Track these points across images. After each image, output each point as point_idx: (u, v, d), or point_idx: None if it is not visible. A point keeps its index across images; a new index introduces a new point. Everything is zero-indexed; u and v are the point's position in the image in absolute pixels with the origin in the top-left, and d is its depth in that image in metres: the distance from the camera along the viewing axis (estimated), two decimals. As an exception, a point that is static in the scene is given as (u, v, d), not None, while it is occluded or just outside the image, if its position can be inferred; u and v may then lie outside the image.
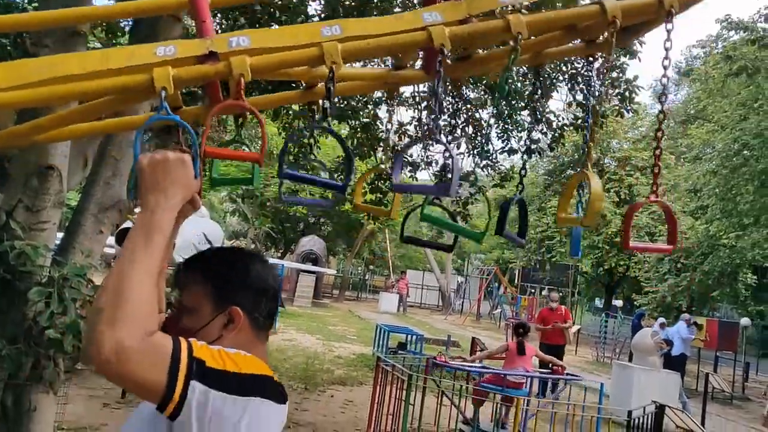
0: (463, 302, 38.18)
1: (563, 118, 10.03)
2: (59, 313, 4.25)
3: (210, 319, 1.67)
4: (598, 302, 42.68)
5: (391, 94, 2.43)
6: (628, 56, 9.34)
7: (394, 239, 44.98)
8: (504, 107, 9.74)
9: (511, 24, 1.72)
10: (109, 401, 7.99)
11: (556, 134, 10.00)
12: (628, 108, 9.47)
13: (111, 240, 18.40)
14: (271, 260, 23.61)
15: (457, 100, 9.75)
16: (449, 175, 1.76)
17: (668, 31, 1.91)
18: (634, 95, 9.39)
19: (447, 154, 1.77)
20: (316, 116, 1.90)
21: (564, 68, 9.64)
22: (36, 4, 7.55)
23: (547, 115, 9.96)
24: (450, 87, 9.13)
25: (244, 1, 6.27)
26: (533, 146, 10.11)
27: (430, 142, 1.89)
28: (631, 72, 9.31)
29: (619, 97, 9.48)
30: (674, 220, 2.04)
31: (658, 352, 11.85)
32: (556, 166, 35.54)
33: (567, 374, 9.26)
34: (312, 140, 2.02)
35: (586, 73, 9.43)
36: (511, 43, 1.74)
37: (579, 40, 2.04)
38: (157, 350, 1.42)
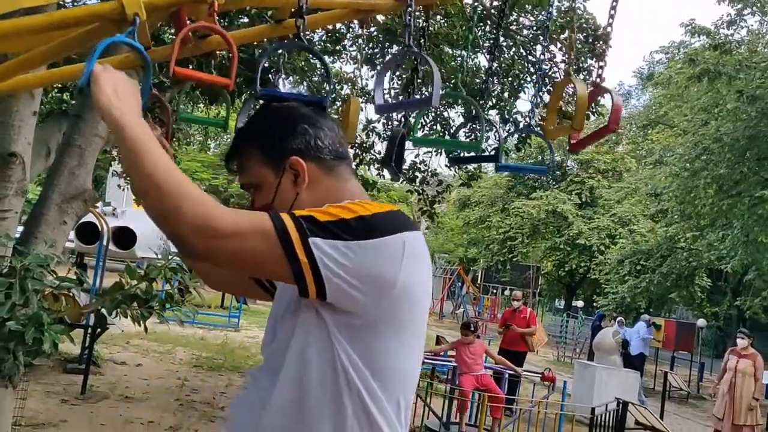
0: (425, 301, 38.38)
1: (530, 119, 10.11)
2: (20, 305, 4.13)
3: (277, 183, 1.53)
4: (559, 303, 43.21)
5: (363, 24, 2.39)
6: (594, 59, 9.46)
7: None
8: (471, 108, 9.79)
9: None
10: (68, 398, 7.81)
11: (523, 135, 10.06)
12: (593, 111, 9.57)
13: (71, 234, 18.03)
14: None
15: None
16: (431, 89, 1.72)
17: None
18: (600, 98, 9.50)
19: (427, 67, 1.71)
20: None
21: (532, 69, 9.73)
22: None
23: (515, 116, 10.04)
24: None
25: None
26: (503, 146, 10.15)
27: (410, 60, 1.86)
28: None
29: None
30: (617, 112, 2.06)
31: (618, 351, 12.06)
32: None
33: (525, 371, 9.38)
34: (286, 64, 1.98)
35: (553, 75, 9.56)
36: None
37: None
38: (252, 219, 1.32)
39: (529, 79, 9.78)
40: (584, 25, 9.20)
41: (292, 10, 1.64)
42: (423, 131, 10.71)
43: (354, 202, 1.43)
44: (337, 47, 10.03)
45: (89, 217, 15.44)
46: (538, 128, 2.10)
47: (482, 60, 9.88)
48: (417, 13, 1.75)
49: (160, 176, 1.28)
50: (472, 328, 9.03)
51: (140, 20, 1.46)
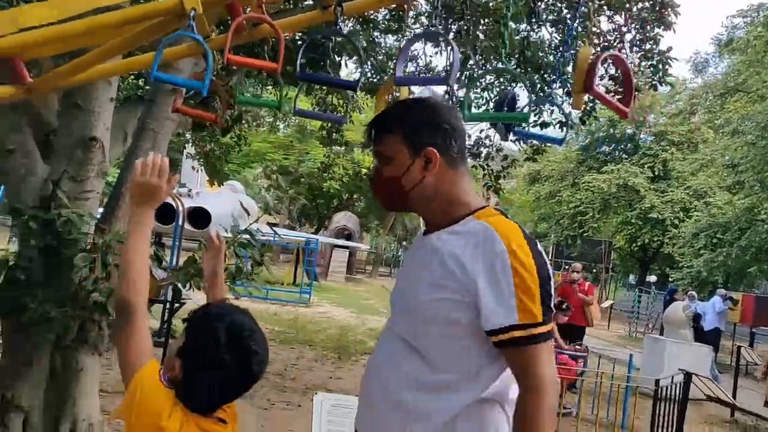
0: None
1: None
2: (103, 278, 4.46)
3: (410, 163, 1.80)
4: (632, 278, 42.31)
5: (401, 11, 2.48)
6: (662, 27, 9.21)
7: (426, 215, 45.07)
8: (537, 80, 9.74)
9: None
10: (149, 368, 8.29)
11: (588, 108, 9.93)
12: (662, 81, 9.35)
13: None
14: (305, 236, 23.75)
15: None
16: (450, 68, 1.87)
17: None
18: (668, 67, 9.27)
19: (449, 47, 1.86)
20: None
21: (596, 41, 9.56)
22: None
23: (579, 88, 9.89)
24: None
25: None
26: (565, 120, 10.05)
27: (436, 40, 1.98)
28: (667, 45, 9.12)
29: (651, 68, 9.37)
30: (630, 81, 2.10)
31: (689, 326, 11.84)
32: (591, 141, 35.17)
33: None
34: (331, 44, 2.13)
35: (618, 45, 9.37)
36: None
37: None
38: None
39: (593, 51, 9.60)
40: (651, -7, 8.94)
41: (334, -2, 1.78)
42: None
43: None
44: (400, 25, 10.09)
45: (168, 199, 16.12)
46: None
47: (544, 34, 9.74)
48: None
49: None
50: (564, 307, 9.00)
51: (197, 13, 1.63)
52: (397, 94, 2.22)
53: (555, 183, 34.77)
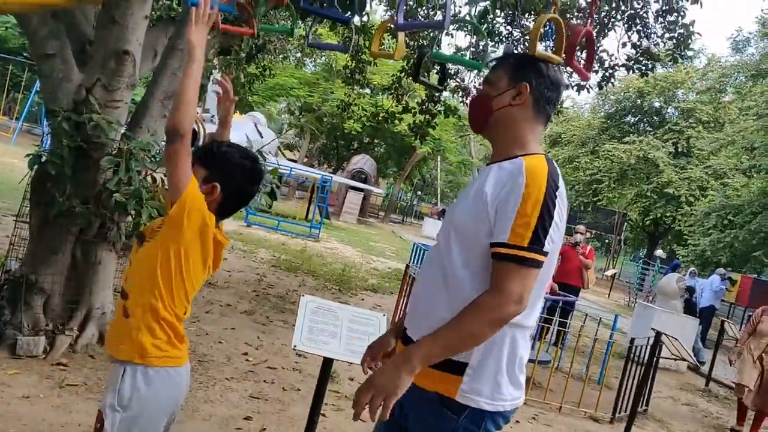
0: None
1: (616, 58, 10.11)
2: (125, 182, 4.88)
3: (504, 90, 2.10)
4: (642, 252, 42.51)
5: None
6: (689, 1, 9.30)
7: (445, 167, 45.25)
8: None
9: None
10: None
11: (607, 74, 10.12)
12: (682, 54, 9.48)
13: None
14: (320, 173, 24.05)
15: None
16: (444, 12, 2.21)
17: None
18: (689, 41, 9.39)
19: None
20: None
21: (623, 7, 9.68)
22: None
23: (600, 54, 10.06)
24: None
25: None
26: (583, 84, 10.25)
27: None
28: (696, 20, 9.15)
29: (674, 41, 9.50)
30: (593, 48, 2.47)
31: (680, 298, 12.19)
32: (617, 110, 34.96)
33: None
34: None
35: (643, 15, 9.48)
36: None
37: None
38: None
39: (618, 17, 9.73)
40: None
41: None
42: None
43: None
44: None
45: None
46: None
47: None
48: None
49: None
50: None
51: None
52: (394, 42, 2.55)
53: (575, 148, 34.76)
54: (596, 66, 10.29)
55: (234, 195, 2.35)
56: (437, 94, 11.13)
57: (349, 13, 2.56)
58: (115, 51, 4.97)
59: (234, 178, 2.32)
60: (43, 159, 4.87)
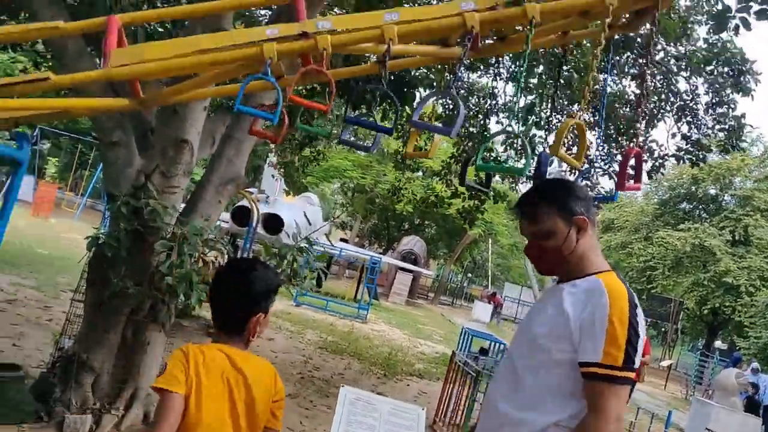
0: (558, 321, 37.56)
1: (666, 148, 10.09)
2: (177, 265, 5.04)
3: (567, 232, 2.15)
4: (700, 342, 40.96)
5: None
6: (740, 93, 9.31)
7: (496, 250, 44.98)
8: (611, 131, 9.98)
9: (527, 10, 2.22)
10: (207, 356, 8.87)
11: (657, 164, 10.08)
12: (734, 146, 9.41)
13: (226, 216, 19.78)
14: (370, 254, 24.16)
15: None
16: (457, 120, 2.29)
17: (655, 17, 2.39)
18: (740, 132, 9.34)
19: (457, 106, 2.27)
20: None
21: (672, 99, 9.74)
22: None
23: (650, 144, 10.07)
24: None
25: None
26: (632, 172, 10.20)
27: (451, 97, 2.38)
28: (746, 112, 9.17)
29: (725, 133, 9.46)
30: (640, 166, 2.53)
31: (740, 395, 11.65)
32: (671, 196, 34.50)
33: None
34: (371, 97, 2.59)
35: (693, 106, 9.50)
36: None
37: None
38: None
39: (668, 108, 9.78)
40: (732, 60, 9.09)
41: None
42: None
43: None
44: (481, 65, 10.52)
45: (244, 202, 16.94)
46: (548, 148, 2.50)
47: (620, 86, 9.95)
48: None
49: None
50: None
51: (273, 61, 2.13)
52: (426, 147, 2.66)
53: (628, 234, 34.26)
54: (646, 156, 10.29)
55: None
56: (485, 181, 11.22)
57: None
58: (174, 140, 5.23)
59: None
60: (101, 241, 5.08)
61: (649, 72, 2.83)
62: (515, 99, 2.56)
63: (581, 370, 2.01)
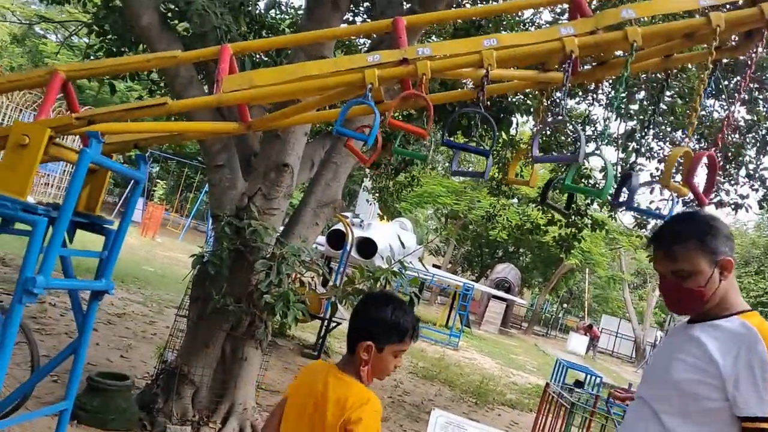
0: (658, 358, 35.91)
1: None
2: (276, 284, 5.20)
3: (711, 273, 2.01)
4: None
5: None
6: None
7: (594, 281, 43.68)
8: (721, 159, 9.58)
9: (628, 34, 2.19)
10: (300, 376, 9.05)
11: (768, 193, 9.58)
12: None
13: (321, 239, 20.17)
14: (462, 280, 24.00)
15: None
16: (579, 146, 2.26)
17: (764, 39, 2.27)
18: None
19: (575, 133, 2.25)
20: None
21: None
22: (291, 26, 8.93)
23: (762, 172, 9.58)
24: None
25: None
26: (741, 201, 9.77)
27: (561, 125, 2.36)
28: None
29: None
30: (714, 173, 2.36)
31: None
32: (785, 228, 32.59)
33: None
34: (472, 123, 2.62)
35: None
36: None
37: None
38: None
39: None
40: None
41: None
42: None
43: None
44: (580, 91, 10.36)
45: (339, 226, 17.27)
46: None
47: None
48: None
49: None
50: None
51: (374, 86, 2.20)
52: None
53: (737, 268, 32.50)
54: (756, 184, 9.80)
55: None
56: (584, 209, 10.99)
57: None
58: (276, 163, 5.43)
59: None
60: (205, 259, 5.31)
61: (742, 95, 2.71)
62: (608, 124, 2.51)
63: (744, 425, 1.89)
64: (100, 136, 2.32)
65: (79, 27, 10.12)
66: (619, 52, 2.50)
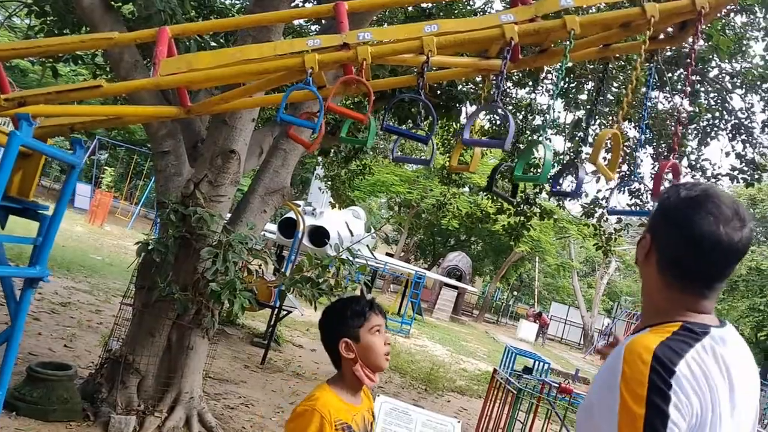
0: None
1: (719, 167, 9.86)
2: (222, 272, 5.15)
3: (640, 239, 1.62)
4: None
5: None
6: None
7: (543, 269, 44.44)
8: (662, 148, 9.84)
9: (566, 22, 2.22)
10: (249, 365, 9.02)
11: (710, 182, 9.87)
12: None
13: (273, 227, 19.97)
14: (414, 268, 24.14)
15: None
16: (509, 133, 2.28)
17: (698, 30, 2.30)
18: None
19: (505, 117, 2.24)
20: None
21: (727, 117, 9.53)
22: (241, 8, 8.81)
23: (702, 162, 9.86)
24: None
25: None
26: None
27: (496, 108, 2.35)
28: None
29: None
30: (678, 180, 2.38)
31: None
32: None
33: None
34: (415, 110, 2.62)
35: (748, 125, 9.29)
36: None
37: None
38: None
39: (722, 126, 9.57)
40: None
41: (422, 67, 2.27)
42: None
43: None
44: (530, 81, 10.48)
45: (291, 214, 17.18)
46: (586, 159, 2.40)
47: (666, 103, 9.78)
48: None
49: None
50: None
51: (314, 71, 2.19)
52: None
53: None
54: (698, 174, 10.07)
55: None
56: (532, 197, 11.15)
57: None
58: (222, 150, 5.36)
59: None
60: (150, 247, 5.22)
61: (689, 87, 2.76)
62: (551, 112, 2.53)
63: None
64: (31, 119, 2.25)
65: (20, 7, 9.79)
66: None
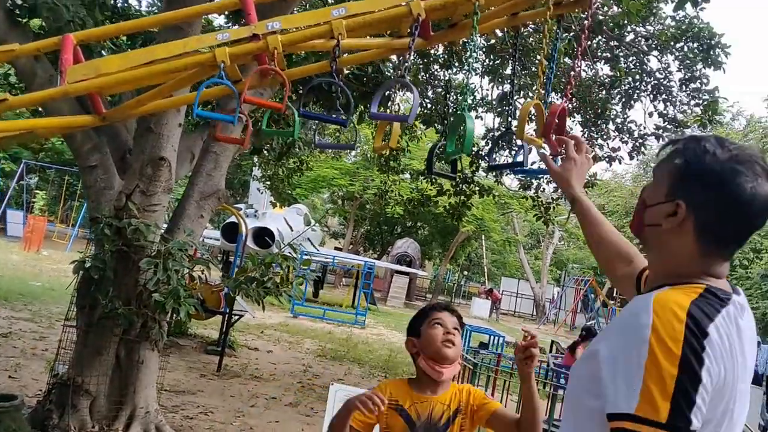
0: (558, 312, 37.69)
1: (644, 128, 10.19)
2: (164, 281, 5.07)
3: (660, 201, 1.52)
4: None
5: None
6: (712, 67, 9.41)
7: (490, 246, 45.07)
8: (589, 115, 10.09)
9: None
10: (205, 373, 8.90)
11: (637, 143, 10.18)
12: (710, 119, 9.49)
13: (216, 233, 19.67)
14: (363, 259, 24.15)
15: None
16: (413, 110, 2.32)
17: None
18: (716, 106, 9.43)
19: (410, 90, 2.26)
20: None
21: (646, 79, 9.84)
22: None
23: (629, 125, 10.16)
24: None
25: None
26: (614, 154, 10.33)
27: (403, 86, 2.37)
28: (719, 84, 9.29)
29: (701, 108, 9.56)
30: (564, 123, 2.35)
31: None
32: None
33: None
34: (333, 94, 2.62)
35: (667, 84, 9.60)
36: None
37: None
38: None
39: (643, 88, 9.88)
40: (700, 35, 9.19)
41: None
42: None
43: None
44: (455, 60, 10.59)
45: (232, 219, 16.96)
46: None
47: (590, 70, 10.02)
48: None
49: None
50: (585, 334, 9.33)
51: (226, 64, 2.17)
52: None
53: (619, 219, 34.35)
54: (626, 137, 10.38)
55: None
56: (470, 176, 11.29)
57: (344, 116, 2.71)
58: (151, 158, 5.26)
59: None
60: (87, 264, 5.10)
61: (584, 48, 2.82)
62: (468, 82, 2.55)
63: (611, 425, 1.34)
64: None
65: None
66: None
